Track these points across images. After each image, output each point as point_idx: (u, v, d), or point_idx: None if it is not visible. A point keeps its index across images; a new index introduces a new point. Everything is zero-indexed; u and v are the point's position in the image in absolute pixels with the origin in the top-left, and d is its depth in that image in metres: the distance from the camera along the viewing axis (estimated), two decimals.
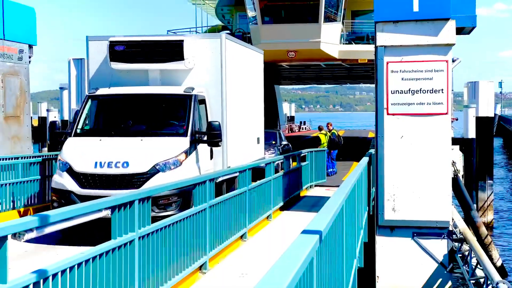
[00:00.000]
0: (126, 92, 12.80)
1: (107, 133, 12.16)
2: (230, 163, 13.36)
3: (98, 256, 5.26)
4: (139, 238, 6.19)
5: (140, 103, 12.82)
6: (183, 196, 10.72)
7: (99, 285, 5.31)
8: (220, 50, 13.16)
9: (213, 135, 11.89)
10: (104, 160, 10.95)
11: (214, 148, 12.65)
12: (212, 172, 10.77)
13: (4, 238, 3.94)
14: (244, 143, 15.10)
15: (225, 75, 13.26)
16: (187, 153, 11.61)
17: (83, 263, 5.00)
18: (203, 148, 12.25)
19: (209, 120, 12.77)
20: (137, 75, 13.22)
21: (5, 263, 3.94)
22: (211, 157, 12.77)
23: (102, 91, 12.83)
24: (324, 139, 24.29)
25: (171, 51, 12.89)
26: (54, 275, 4.57)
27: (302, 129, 70.68)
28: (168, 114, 12.82)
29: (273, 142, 24.33)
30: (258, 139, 17.06)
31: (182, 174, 10.92)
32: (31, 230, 4.23)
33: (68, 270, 4.75)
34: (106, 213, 5.58)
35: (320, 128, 26.41)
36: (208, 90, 13.09)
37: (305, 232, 3.40)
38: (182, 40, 12.99)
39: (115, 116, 12.89)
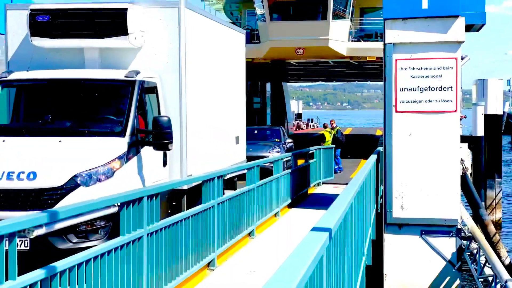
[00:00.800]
0: (47, 77, 9.82)
1: (15, 132, 9.23)
2: (193, 171, 10.54)
3: (106, 253, 5.26)
4: (148, 235, 6.19)
5: (65, 92, 9.90)
6: (113, 219, 7.45)
7: (108, 282, 5.31)
8: (178, 23, 10.30)
9: (159, 135, 9.04)
10: (3, 170, 7.86)
11: (168, 152, 9.91)
12: (220, 169, 10.37)
13: (13, 234, 3.94)
14: (215, 144, 12.37)
15: (185, 57, 10.40)
16: (124, 159, 8.66)
17: (92, 259, 5.00)
18: (150, 152, 9.33)
19: (161, 114, 10.06)
20: (70, 55, 10.32)
21: (14, 259, 3.94)
22: (165, 164, 9.99)
23: (16, 75, 9.91)
24: (328, 137, 24.28)
25: (111, 23, 9.98)
26: (63, 272, 4.57)
27: (310, 126, 70.62)
28: (102, 107, 9.89)
29: (277, 140, 23.85)
30: (237, 138, 14.34)
31: (115, 188, 7.79)
32: (40, 226, 4.23)
33: (76, 267, 4.76)
34: (114, 210, 5.58)
35: (325, 126, 26.39)
36: (162, 76, 10.28)
37: (315, 229, 3.38)
38: (125, 9, 9.98)
39: (30, 108, 10.10)
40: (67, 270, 4.64)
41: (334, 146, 23.26)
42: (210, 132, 12.06)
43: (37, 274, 4.23)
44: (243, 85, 15.38)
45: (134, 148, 8.97)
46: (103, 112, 9.76)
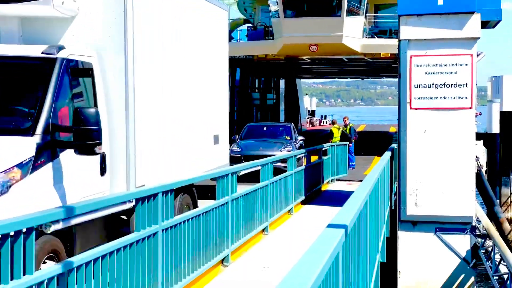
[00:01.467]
0: None
1: None
2: (146, 180, 8.13)
3: (122, 248, 5.29)
4: (162, 230, 6.21)
5: None
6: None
7: (123, 277, 5.34)
8: None
9: (82, 134, 6.54)
10: None
11: (109, 156, 7.55)
12: (235, 166, 10.19)
13: (31, 229, 3.97)
14: (182, 145, 9.89)
15: (134, 30, 8.00)
16: (27, 167, 6.20)
17: (107, 255, 5.03)
18: (78, 158, 6.80)
19: (98, 105, 7.56)
20: None
21: (31, 254, 3.98)
22: (103, 172, 7.39)
23: None
24: (337, 133, 24.17)
25: None
26: (79, 267, 4.60)
27: (323, 123, 70.53)
28: (12, 94, 7.39)
29: (287, 138, 22.88)
30: (216, 137, 11.73)
31: (10, 210, 5.48)
32: (57, 221, 4.27)
33: (92, 262, 4.78)
34: (130, 205, 5.60)
35: (333, 122, 26.33)
36: (103, 55, 7.79)
37: (330, 225, 3.39)
38: None
39: None
40: (83, 265, 4.68)
41: (347, 143, 23.18)
42: (174, 131, 9.53)
43: (54, 269, 4.26)
44: (225, 73, 12.60)
45: (47, 152, 6.52)
46: (13, 101, 7.27)
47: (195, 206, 9.89)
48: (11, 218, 3.88)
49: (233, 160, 19.80)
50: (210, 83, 11.57)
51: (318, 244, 2.78)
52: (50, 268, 4.25)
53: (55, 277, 4.30)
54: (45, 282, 4.16)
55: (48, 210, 4.32)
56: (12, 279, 3.87)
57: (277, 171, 13.09)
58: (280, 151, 20.56)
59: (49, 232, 4.24)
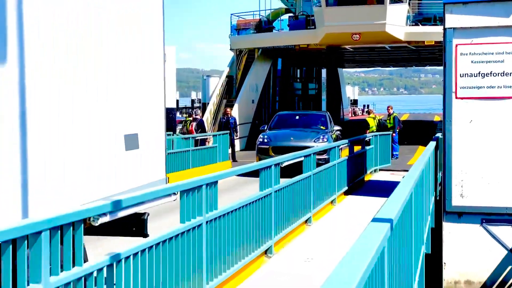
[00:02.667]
0: None
1: None
2: None
3: (167, 240, 5.36)
4: (207, 222, 6.27)
5: None
6: None
7: (169, 268, 5.42)
8: None
9: None
10: None
11: None
12: (278, 157, 10.12)
13: (80, 222, 4.06)
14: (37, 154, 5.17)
15: None
16: None
17: (154, 246, 5.11)
18: None
19: None
20: None
21: (80, 246, 4.06)
22: None
23: None
24: (372, 123, 23.87)
25: None
26: (126, 258, 4.68)
27: (366, 112, 70.01)
28: None
29: (322, 128, 21.11)
30: (133, 139, 7.18)
31: None
32: (104, 214, 4.35)
33: (139, 253, 4.86)
34: (175, 198, 5.67)
35: (369, 112, 25.97)
36: None
37: (375, 220, 3.37)
38: None
39: None
40: (131, 256, 4.75)
41: (390, 132, 22.93)
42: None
43: (103, 260, 4.35)
44: (159, 48, 8.74)
45: None
46: None
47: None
48: (60, 211, 3.97)
49: (261, 152, 19.57)
50: (119, 56, 7.18)
51: (364, 240, 2.78)
52: (98, 259, 4.34)
53: (104, 268, 4.38)
54: (94, 274, 4.25)
55: (96, 203, 4.41)
56: (62, 270, 3.96)
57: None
58: (314, 142, 19.28)
59: (96, 224, 4.33)
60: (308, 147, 16.60)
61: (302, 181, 10.77)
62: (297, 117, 22.42)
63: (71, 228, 3.99)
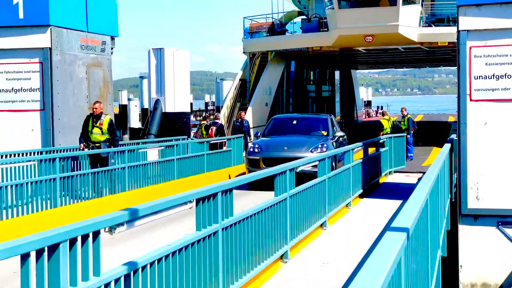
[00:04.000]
0: None
1: None
2: None
3: (184, 248, 5.39)
4: (223, 229, 6.29)
5: None
6: None
7: (186, 276, 5.44)
8: None
9: None
10: None
11: None
12: (293, 162, 10.04)
13: (98, 232, 4.09)
14: None
15: None
16: None
17: (170, 255, 5.13)
18: None
19: None
20: None
21: (98, 256, 4.10)
22: None
23: None
24: (387, 124, 23.73)
25: None
26: (144, 267, 4.71)
27: (380, 114, 69.78)
28: None
29: (323, 133, 18.38)
30: None
31: None
32: (121, 224, 4.38)
33: (156, 262, 4.89)
34: (191, 205, 5.70)
35: (383, 113, 25.80)
36: None
37: (392, 229, 3.38)
38: None
39: None
40: (148, 265, 4.78)
41: (405, 134, 22.85)
42: None
43: (120, 270, 4.38)
44: None
45: None
46: None
47: None
48: (76, 222, 4.01)
49: (251, 164, 17.21)
50: None
51: (381, 251, 2.79)
52: (116, 269, 4.38)
53: (122, 277, 4.42)
54: (112, 283, 4.28)
55: (113, 213, 4.44)
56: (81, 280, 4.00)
57: (305, 177, 11.40)
58: (311, 152, 16.64)
59: (114, 235, 4.36)
60: (304, 157, 13.96)
61: (317, 185, 10.76)
62: (294, 122, 19.49)
63: (89, 238, 4.03)
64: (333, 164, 15.08)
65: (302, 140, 17.60)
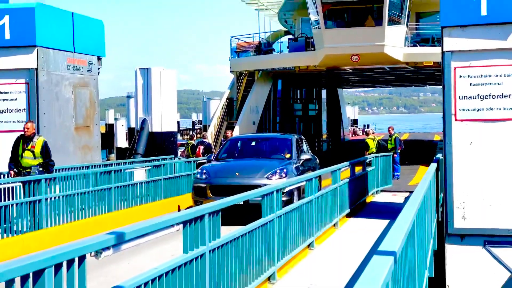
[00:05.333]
0: None
1: None
2: None
3: (171, 271, 5.36)
4: (210, 251, 6.27)
5: None
6: None
7: None
8: None
9: None
10: None
11: None
12: (279, 183, 10.15)
13: (83, 257, 4.06)
14: None
15: None
16: None
17: (157, 278, 5.10)
18: None
19: None
20: None
21: (84, 281, 4.07)
22: None
23: None
24: (372, 144, 23.76)
25: None
26: None
27: (365, 133, 70.12)
28: None
29: (287, 156, 15.78)
30: None
31: None
32: (108, 248, 4.35)
33: (143, 285, 4.85)
34: (178, 228, 5.68)
35: (367, 133, 25.86)
36: None
37: (379, 253, 3.38)
38: None
39: None
40: None
41: (392, 153, 22.94)
42: None
43: None
44: None
45: None
46: None
47: None
48: (62, 246, 3.98)
49: (197, 192, 14.72)
50: None
51: (368, 276, 2.79)
52: None
53: None
54: None
55: (99, 236, 4.41)
56: None
57: (255, 208, 9.86)
58: (268, 178, 14.19)
59: (100, 259, 4.33)
60: (258, 185, 12.85)
61: (304, 205, 10.76)
62: (253, 143, 17.11)
63: (75, 263, 4.00)
64: (293, 194, 13.82)
65: (259, 164, 15.04)
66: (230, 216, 9.84)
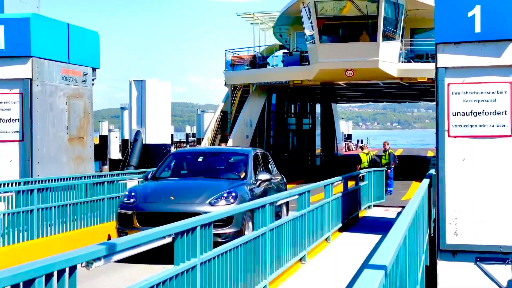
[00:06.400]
0: None
1: None
2: None
3: (161, 283, 5.35)
4: (201, 263, 6.26)
5: None
6: None
7: None
8: None
9: None
10: None
11: None
12: (271, 196, 10.15)
13: (74, 267, 4.05)
14: None
15: None
16: None
17: None
18: None
19: None
20: None
21: None
22: None
23: None
24: (365, 158, 23.85)
25: None
26: None
27: (360, 148, 70.24)
28: None
29: (241, 176, 13.06)
30: None
31: None
32: (99, 259, 4.34)
33: None
34: (169, 240, 5.67)
35: (362, 147, 25.88)
36: None
37: (369, 267, 3.38)
38: None
39: None
40: None
41: (385, 168, 22.97)
42: None
43: None
44: None
45: None
46: None
47: None
48: (53, 257, 3.97)
49: (121, 221, 12.05)
50: None
51: None
52: None
53: None
54: None
55: (91, 247, 4.40)
56: None
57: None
58: (211, 204, 11.52)
59: (90, 269, 4.32)
60: (197, 213, 10.09)
61: (296, 219, 10.76)
62: (200, 159, 14.13)
63: (65, 274, 3.99)
64: (244, 225, 11.36)
65: (202, 186, 12.30)
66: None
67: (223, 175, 13.22)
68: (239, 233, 10.75)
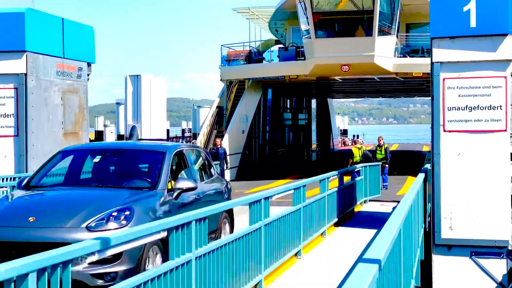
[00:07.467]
0: None
1: None
2: None
3: (156, 278, 5.34)
4: (196, 258, 6.25)
5: None
6: None
7: None
8: None
9: None
10: None
11: None
12: (267, 191, 10.09)
13: (68, 262, 4.04)
14: None
15: None
16: None
17: (142, 284, 5.08)
18: None
19: None
20: None
21: (68, 287, 4.04)
22: None
23: None
24: (357, 153, 23.89)
25: None
26: None
27: (353, 142, 70.30)
28: None
29: (146, 184, 9.13)
30: None
31: None
32: (92, 253, 4.33)
33: None
34: (164, 234, 5.66)
35: (355, 142, 25.91)
36: None
37: (364, 261, 3.38)
38: None
39: None
40: None
41: (380, 163, 23.00)
42: None
43: None
44: None
45: None
46: None
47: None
48: (47, 252, 3.96)
49: None
50: None
51: (352, 283, 2.79)
52: None
53: None
54: None
55: (84, 242, 4.39)
56: None
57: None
58: (88, 229, 7.65)
59: (85, 264, 4.30)
60: (66, 243, 6.03)
61: (292, 213, 10.76)
62: (97, 159, 10.47)
63: (59, 269, 3.97)
64: (142, 259, 7.60)
65: (82, 200, 8.57)
66: None
67: (127, 182, 9.28)
68: (135, 270, 7.33)
